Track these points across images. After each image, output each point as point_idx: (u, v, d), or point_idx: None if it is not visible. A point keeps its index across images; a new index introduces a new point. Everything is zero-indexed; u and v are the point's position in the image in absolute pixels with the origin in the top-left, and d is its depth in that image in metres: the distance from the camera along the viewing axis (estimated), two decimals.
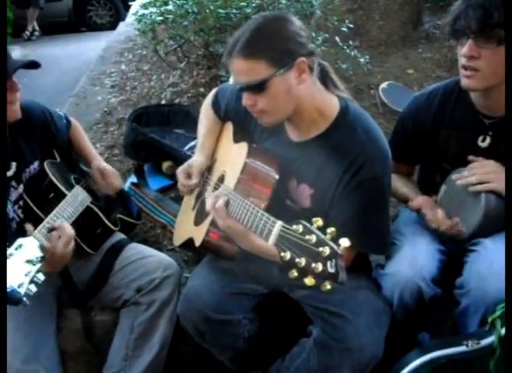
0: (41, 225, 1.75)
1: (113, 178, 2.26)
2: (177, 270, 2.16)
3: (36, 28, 9.27)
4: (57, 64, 6.21)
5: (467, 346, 1.72)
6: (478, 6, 1.73)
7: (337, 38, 3.35)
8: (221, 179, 1.99)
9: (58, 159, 2.20)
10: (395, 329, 1.85)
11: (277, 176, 1.82)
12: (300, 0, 3.39)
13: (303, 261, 1.30)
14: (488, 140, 1.94)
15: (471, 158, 1.92)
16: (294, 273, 1.33)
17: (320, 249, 1.28)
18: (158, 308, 2.08)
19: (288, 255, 1.34)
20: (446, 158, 2.02)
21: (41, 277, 1.58)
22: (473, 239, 1.90)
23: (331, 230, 1.32)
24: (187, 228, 2.11)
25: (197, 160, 2.10)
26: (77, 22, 9.84)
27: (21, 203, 2.02)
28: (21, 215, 2.03)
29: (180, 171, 2.09)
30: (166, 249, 2.60)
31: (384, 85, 3.54)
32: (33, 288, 1.55)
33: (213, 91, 2.22)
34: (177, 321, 2.12)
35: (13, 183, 2.00)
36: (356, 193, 1.72)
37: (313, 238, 1.31)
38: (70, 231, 1.85)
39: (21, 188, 2.03)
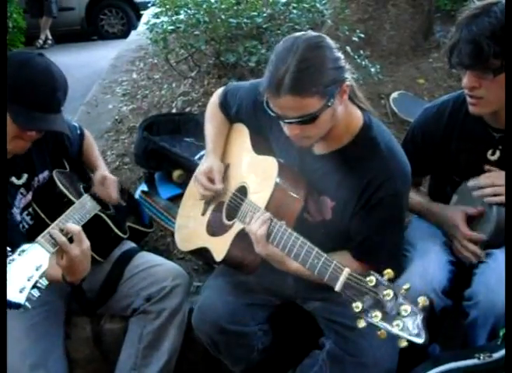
0: (45, 231, 1.75)
1: (112, 188, 2.23)
2: (186, 279, 2.16)
3: (49, 37, 9.35)
4: (69, 73, 6.21)
5: (478, 359, 1.70)
6: (469, 41, 1.73)
7: (348, 48, 3.33)
8: (240, 191, 1.95)
9: (68, 169, 2.22)
10: None
11: (303, 200, 1.79)
12: (311, 10, 3.39)
13: (379, 315, 1.29)
14: (497, 153, 1.94)
15: (487, 168, 1.91)
16: (362, 323, 1.32)
17: (401, 307, 1.27)
18: (167, 317, 2.08)
19: (360, 306, 1.32)
20: (456, 171, 2.02)
21: (44, 282, 1.56)
22: (483, 251, 1.89)
23: (407, 286, 1.31)
24: (198, 236, 2.07)
25: (215, 164, 2.03)
26: (89, 31, 9.91)
27: (30, 210, 2.04)
28: (30, 222, 2.04)
29: (201, 174, 2.01)
30: (176, 258, 2.60)
31: (394, 94, 3.54)
32: (36, 293, 1.54)
33: (220, 90, 2.15)
34: (186, 330, 2.12)
35: (22, 190, 2.02)
36: (377, 209, 1.70)
37: (391, 293, 1.30)
38: (76, 228, 1.79)
39: (30, 195, 2.05)
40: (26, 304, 1.51)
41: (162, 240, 2.74)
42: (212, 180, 2.00)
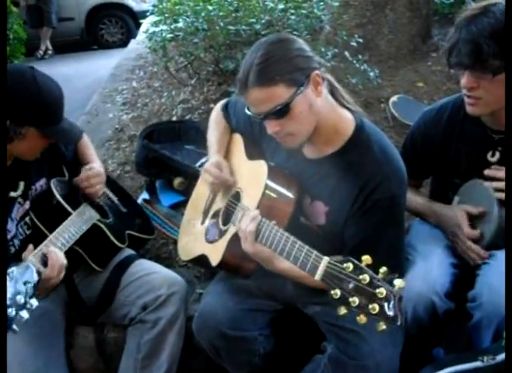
0: (38, 249, 1.75)
1: (97, 180, 2.15)
2: (182, 287, 2.13)
3: (50, 47, 9.40)
4: (69, 83, 6.25)
5: (482, 361, 1.70)
6: (468, 41, 1.74)
7: (346, 53, 3.36)
8: (235, 197, 1.97)
9: (67, 176, 2.18)
10: (409, 345, 1.83)
11: (295, 200, 1.80)
12: (309, 15, 3.40)
13: (356, 301, 1.29)
14: (497, 155, 1.94)
15: (487, 172, 1.91)
16: (343, 310, 1.32)
17: (377, 290, 1.28)
18: (164, 325, 2.05)
19: (338, 293, 1.33)
20: (457, 173, 2.02)
21: (34, 302, 1.55)
22: (486, 251, 1.88)
23: (383, 270, 1.31)
24: (197, 244, 2.09)
25: (223, 160, 2.03)
26: (89, 41, 9.96)
27: (27, 219, 2.02)
28: (27, 232, 2.02)
29: (211, 165, 2.00)
30: (179, 265, 2.60)
31: (394, 98, 3.54)
32: (25, 315, 1.51)
33: (223, 102, 2.18)
34: (189, 337, 2.11)
35: (19, 200, 2.00)
36: (372, 211, 1.70)
37: (367, 277, 1.30)
38: (61, 260, 1.80)
39: (27, 205, 2.03)
40: (14, 327, 1.48)
41: (164, 248, 2.74)
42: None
